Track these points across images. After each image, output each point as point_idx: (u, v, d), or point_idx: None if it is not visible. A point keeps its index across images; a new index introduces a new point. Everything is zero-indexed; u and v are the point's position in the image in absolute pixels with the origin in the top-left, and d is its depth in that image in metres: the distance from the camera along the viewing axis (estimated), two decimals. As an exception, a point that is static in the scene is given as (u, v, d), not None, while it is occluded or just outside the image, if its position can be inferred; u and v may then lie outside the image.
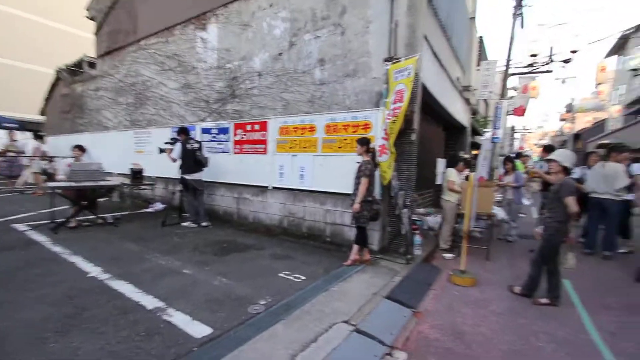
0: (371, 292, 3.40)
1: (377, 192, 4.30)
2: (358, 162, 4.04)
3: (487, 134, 9.89)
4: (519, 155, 12.57)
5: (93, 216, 5.76)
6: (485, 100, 12.75)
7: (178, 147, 5.78)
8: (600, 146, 5.71)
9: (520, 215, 6.89)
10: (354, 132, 4.67)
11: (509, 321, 3.00)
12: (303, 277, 3.68)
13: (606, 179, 5.00)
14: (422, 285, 3.76)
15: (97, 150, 7.43)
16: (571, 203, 3.11)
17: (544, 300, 3.35)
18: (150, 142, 7.81)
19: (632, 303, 3.47)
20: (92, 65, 10.66)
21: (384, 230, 4.71)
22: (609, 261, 4.87)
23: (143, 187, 6.78)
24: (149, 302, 2.91)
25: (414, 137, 4.59)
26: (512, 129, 23.38)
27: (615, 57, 23.22)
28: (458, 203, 5.05)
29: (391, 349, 2.48)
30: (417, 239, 4.72)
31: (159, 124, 7.99)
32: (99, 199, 6.10)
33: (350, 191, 4.12)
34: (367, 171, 3.85)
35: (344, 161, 4.74)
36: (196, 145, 5.85)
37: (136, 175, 6.43)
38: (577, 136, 28.30)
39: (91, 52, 10.71)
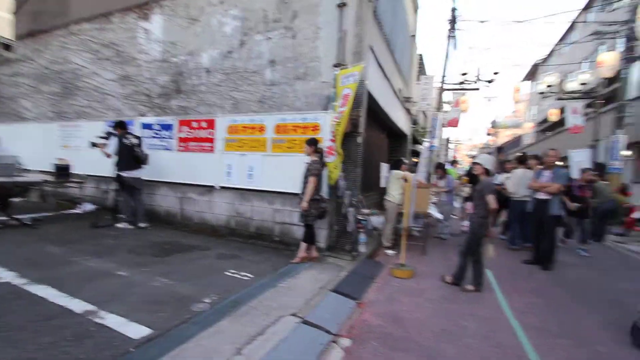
0: (318, 286, 3.50)
1: (324, 192, 4.44)
2: (307, 162, 4.15)
3: (426, 143, 10.77)
4: (454, 162, 13.89)
5: (5, 217, 5.03)
6: (424, 111, 13.88)
7: (114, 142, 5.34)
8: (518, 157, 6.64)
9: (452, 216, 7.61)
10: (303, 133, 4.78)
11: (440, 306, 3.32)
12: (251, 275, 3.65)
13: (520, 183, 5.79)
14: (366, 279, 3.97)
15: (12, 144, 6.52)
16: (491, 200, 3.58)
17: (469, 287, 3.77)
18: (80, 136, 7.06)
19: (538, 287, 4.06)
20: (7, 47, 9.34)
21: (331, 228, 4.87)
22: (525, 252, 5.60)
23: (70, 185, 6.11)
24: (77, 306, 2.65)
25: (360, 140, 4.84)
26: (447, 139, 25.69)
27: (529, 82, 26.96)
28: (399, 203, 5.43)
29: (336, 337, 2.59)
30: (362, 237, 4.96)
31: (91, 117, 7.28)
32: (12, 199, 5.34)
33: (298, 191, 4.21)
34: (315, 171, 3.97)
35: (293, 161, 4.81)
36: (135, 141, 5.46)
37: (62, 171, 5.77)
38: (499, 149, 32.09)
39: (5, 32, 9.39)
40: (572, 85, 10.30)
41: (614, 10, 9.77)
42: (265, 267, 3.97)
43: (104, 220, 5.51)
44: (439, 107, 10.62)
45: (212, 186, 5.59)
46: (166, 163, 6.00)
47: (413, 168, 11.48)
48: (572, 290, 4.01)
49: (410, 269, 4.21)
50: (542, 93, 11.58)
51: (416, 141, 12.42)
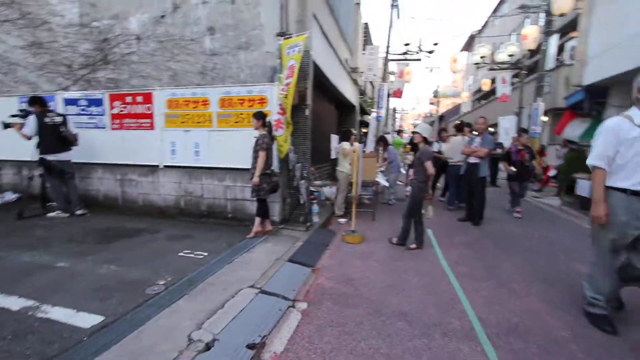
0: (274, 258, 3.61)
1: (275, 165, 4.46)
2: (255, 137, 4.10)
3: (373, 113, 11.10)
4: (400, 132, 14.59)
5: None
6: (371, 82, 14.14)
7: (32, 121, 4.71)
8: (455, 125, 7.21)
9: (398, 182, 8.13)
10: (250, 106, 4.66)
11: (387, 265, 3.65)
12: (205, 254, 3.63)
13: (454, 150, 6.35)
14: (320, 247, 4.18)
15: None
16: (429, 166, 3.91)
17: (412, 246, 4.17)
18: (-14, 115, 6.07)
19: (469, 240, 4.63)
20: None
21: (284, 201, 4.95)
22: (461, 211, 6.26)
23: (-19, 173, 5.33)
24: (14, 303, 2.46)
25: (308, 112, 4.86)
26: (394, 109, 26.66)
27: (466, 53, 28.56)
28: (350, 173, 5.66)
29: (294, 302, 2.75)
30: (315, 207, 5.14)
31: (-2, 93, 6.27)
32: None
33: (249, 166, 4.17)
34: (264, 145, 3.95)
35: (241, 136, 4.70)
36: (58, 119, 4.87)
37: (-32, 158, 4.99)
38: (441, 117, 34.19)
39: None
40: (502, 56, 11.21)
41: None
42: (220, 244, 3.96)
43: (31, 210, 4.97)
44: (384, 78, 10.90)
45: (156, 166, 5.27)
46: (100, 143, 5.48)
47: (363, 138, 11.86)
48: (496, 241, 4.64)
49: (361, 235, 4.51)
50: (476, 64, 12.43)
51: (364, 111, 12.74)
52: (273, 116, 4.44)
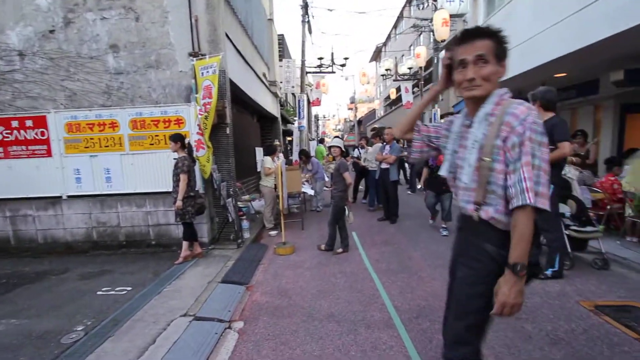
0: (206, 281, 3.58)
1: (199, 186, 4.40)
2: (175, 159, 4.00)
3: (296, 123, 11.49)
4: (322, 140, 15.26)
5: None
6: (292, 93, 14.56)
7: None
8: (373, 130, 7.98)
9: (325, 188, 8.60)
10: (166, 127, 4.51)
11: (317, 272, 3.93)
12: (129, 288, 3.42)
13: (372, 155, 7.03)
14: (253, 263, 4.25)
15: None
16: (347, 177, 4.35)
17: (339, 250, 4.54)
18: None
19: (387, 238, 5.22)
20: None
21: (212, 221, 4.89)
22: (380, 212, 6.93)
23: None
24: None
25: (228, 130, 4.90)
26: (316, 117, 27.75)
27: (375, 63, 31.30)
28: (274, 187, 5.84)
29: (230, 323, 2.81)
30: (245, 223, 5.18)
31: None
32: None
33: (170, 188, 4.04)
34: (184, 167, 3.89)
35: (160, 158, 4.52)
36: None
37: None
38: (359, 122, 36.75)
39: None
40: (403, 69, 12.72)
41: (423, 9, 12.32)
42: (145, 275, 3.76)
43: None
44: (302, 89, 11.38)
45: (58, 197, 4.69)
46: (-23, 176, 4.64)
47: (288, 146, 12.14)
48: (410, 236, 5.30)
49: (292, 245, 4.72)
50: (383, 75, 13.83)
51: (287, 121, 13.06)
52: (192, 137, 4.37)
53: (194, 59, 4.46)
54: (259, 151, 7.98)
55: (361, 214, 6.94)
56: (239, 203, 5.46)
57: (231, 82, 5.23)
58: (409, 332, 2.53)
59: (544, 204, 1.13)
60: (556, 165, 3.29)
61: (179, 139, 3.99)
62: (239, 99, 6.64)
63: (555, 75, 6.79)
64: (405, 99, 13.87)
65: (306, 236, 5.53)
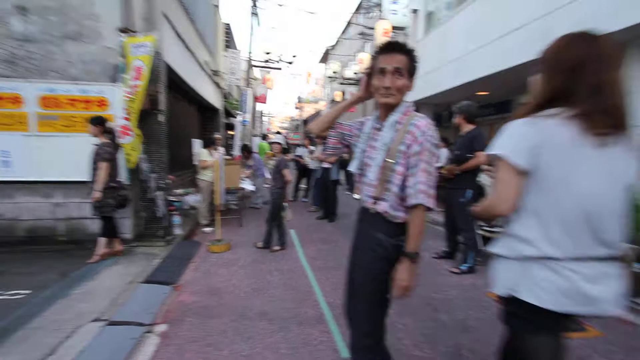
0: (126, 281, 3.25)
1: (123, 177, 3.97)
2: (95, 145, 3.56)
3: (239, 117, 11.09)
4: (265, 136, 14.97)
5: None
6: (237, 85, 14.03)
7: None
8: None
9: (265, 185, 8.44)
10: (86, 108, 4.00)
11: (252, 269, 3.83)
12: (27, 292, 2.94)
13: (311, 152, 7.10)
14: (182, 261, 3.98)
15: None
16: (286, 174, 4.31)
17: (276, 248, 4.48)
18: None
19: (325, 236, 5.31)
20: None
21: (137, 216, 4.46)
22: (318, 212, 7.02)
23: None
24: None
25: (162, 118, 4.53)
26: (261, 113, 27.16)
27: (323, 64, 31.74)
28: (212, 181, 5.55)
29: (151, 326, 2.58)
30: (176, 219, 4.83)
31: None
32: None
33: (88, 178, 3.58)
34: (105, 155, 3.48)
35: (76, 142, 3.98)
36: None
37: None
38: (305, 121, 36.92)
39: None
40: (349, 73, 13.10)
41: (371, 17, 12.86)
42: (49, 276, 3.27)
43: None
44: (248, 83, 11.04)
45: None
46: None
47: (229, 141, 11.65)
48: (346, 234, 5.46)
49: (227, 243, 4.53)
50: (330, 77, 14.08)
51: (230, 114, 12.53)
52: (118, 121, 3.94)
53: (124, 35, 4.02)
54: (197, 143, 7.54)
55: (301, 212, 6.96)
56: (170, 197, 5.07)
57: (168, 67, 4.84)
58: (339, 327, 2.59)
59: (433, 204, 1.36)
60: (473, 172, 3.68)
61: (99, 123, 3.56)
62: (177, 85, 6.18)
63: (478, 93, 7.61)
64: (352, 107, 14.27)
65: (243, 233, 5.36)
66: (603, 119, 1.07)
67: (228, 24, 12.79)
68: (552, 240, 1.11)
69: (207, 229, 5.43)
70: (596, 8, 3.84)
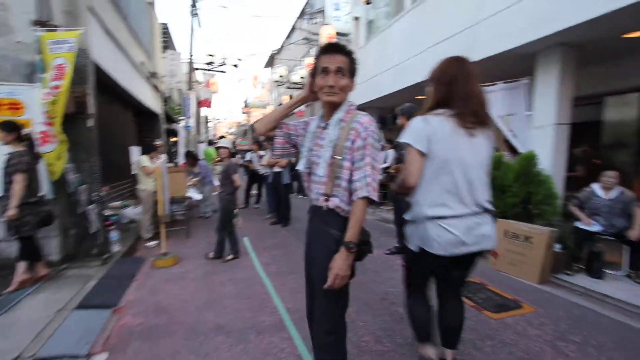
0: (55, 310, 2.85)
1: (45, 190, 3.49)
2: (8, 154, 3.07)
3: (182, 122, 10.48)
4: (211, 142, 14.33)
5: None
6: (180, 89, 13.23)
7: None
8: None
9: (214, 193, 8.07)
10: (-5, 113, 3.43)
11: (204, 282, 3.60)
12: None
13: (260, 158, 6.96)
14: (123, 280, 3.60)
15: None
16: (236, 179, 4.16)
17: (229, 257, 4.28)
18: None
19: (278, 241, 5.22)
20: None
21: (65, 234, 3.95)
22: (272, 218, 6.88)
23: None
24: None
25: (91, 122, 4.08)
26: (206, 118, 25.94)
27: (269, 69, 31.47)
28: (154, 190, 5.14)
29: (89, 358, 2.28)
30: (114, 234, 4.38)
31: None
32: None
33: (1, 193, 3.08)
34: (21, 165, 3.01)
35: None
36: None
37: None
38: (253, 127, 36.08)
39: None
40: (295, 77, 13.14)
41: (315, 23, 13.09)
42: (-51, 314, 2.72)
43: None
44: (190, 86, 10.47)
45: None
46: None
47: (172, 148, 10.94)
48: (300, 237, 5.43)
49: (174, 256, 4.21)
50: (276, 82, 13.98)
51: (172, 120, 11.76)
52: (36, 127, 3.45)
53: (41, 29, 3.55)
54: (135, 151, 6.94)
55: (253, 219, 6.77)
56: (106, 211, 4.58)
57: (97, 67, 4.38)
58: (300, 332, 2.55)
59: (376, 197, 1.44)
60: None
61: (12, 129, 3.08)
62: (109, 87, 5.63)
63: (417, 97, 8.14)
64: (299, 107, 14.33)
65: (192, 245, 5.04)
66: (470, 117, 1.61)
67: (165, 24, 12.02)
68: (442, 204, 1.61)
69: (151, 243, 5.00)
70: (512, 22, 4.34)
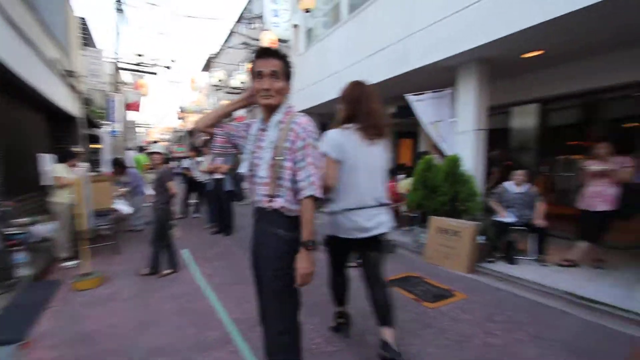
0: (-64, 353, 2.31)
1: None
2: None
3: (107, 127, 9.45)
4: (142, 148, 13.17)
5: None
6: (103, 90, 11.89)
7: None
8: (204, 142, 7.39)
9: (146, 204, 7.39)
10: None
11: (138, 301, 3.26)
12: None
13: (199, 164, 6.59)
14: (34, 308, 3.09)
15: None
16: (171, 186, 3.88)
17: (166, 272, 3.95)
18: None
19: (221, 251, 4.98)
20: None
21: (-48, 260, 3.25)
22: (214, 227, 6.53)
23: None
24: None
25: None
26: (134, 123, 23.75)
27: (207, 73, 30.13)
28: (72, 203, 4.53)
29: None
30: (21, 256, 3.73)
31: None
32: None
33: None
34: None
35: None
36: None
37: None
38: (190, 132, 34.13)
39: None
40: (235, 82, 12.78)
41: (254, 28, 12.93)
42: None
43: None
44: (116, 87, 9.51)
45: None
46: None
47: (93, 156, 9.77)
48: (244, 245, 5.25)
49: (99, 276, 3.74)
50: (215, 86, 13.44)
51: (94, 124, 10.51)
52: None
53: None
54: (46, 159, 6.06)
55: (194, 229, 6.37)
56: (10, 229, 3.89)
57: (-5, 60, 3.74)
58: (248, 343, 2.45)
59: (321, 194, 1.51)
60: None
61: None
62: (12, 85, 4.85)
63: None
64: (237, 112, 13.95)
65: (122, 261, 4.54)
66: (372, 130, 2.04)
67: (83, 18, 10.78)
68: (348, 200, 2.04)
69: (70, 263, 4.37)
70: (438, 37, 4.80)
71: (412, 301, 3.16)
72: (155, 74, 10.86)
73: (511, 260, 4.04)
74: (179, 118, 40.37)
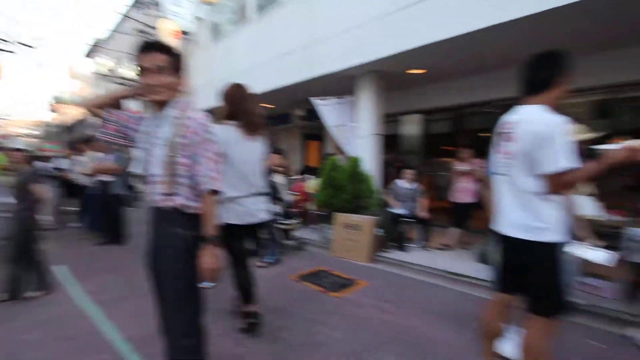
0: None
1: None
2: None
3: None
4: (1, 147, 10.46)
5: None
6: None
7: None
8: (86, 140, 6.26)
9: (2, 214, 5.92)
10: None
11: (-10, 334, 2.60)
12: None
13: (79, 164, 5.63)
14: None
15: None
16: (37, 189, 3.22)
17: (35, 294, 3.23)
18: None
19: (111, 264, 4.35)
20: None
21: None
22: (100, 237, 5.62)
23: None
24: None
25: None
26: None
27: (91, 60, 25.69)
28: None
29: None
30: None
31: None
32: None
33: None
34: None
35: None
36: None
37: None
38: (69, 128, 28.40)
39: None
40: (127, 72, 11.29)
41: (148, 15, 11.65)
42: None
43: None
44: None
45: None
46: None
47: None
48: (138, 254, 4.64)
49: None
50: (105, 75, 11.61)
51: None
52: None
53: None
54: None
55: (74, 241, 5.39)
56: None
57: None
58: (145, 358, 2.22)
59: (221, 187, 1.49)
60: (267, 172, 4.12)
61: None
62: None
63: (265, 105, 8.51)
64: (130, 103, 12.33)
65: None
66: (250, 127, 2.34)
67: None
68: (235, 188, 2.28)
69: None
70: (337, 48, 5.18)
71: (319, 293, 3.34)
72: (12, 52, 8.77)
73: (402, 248, 4.63)
74: (52, 110, 33.34)
